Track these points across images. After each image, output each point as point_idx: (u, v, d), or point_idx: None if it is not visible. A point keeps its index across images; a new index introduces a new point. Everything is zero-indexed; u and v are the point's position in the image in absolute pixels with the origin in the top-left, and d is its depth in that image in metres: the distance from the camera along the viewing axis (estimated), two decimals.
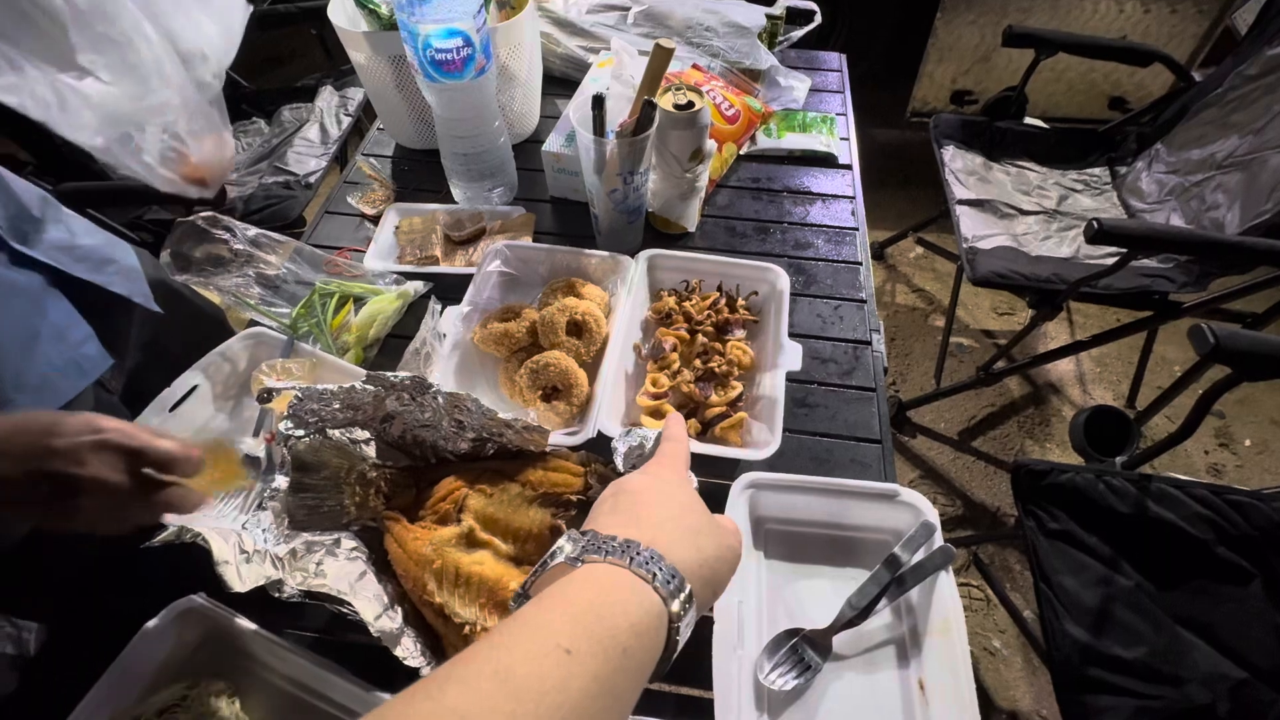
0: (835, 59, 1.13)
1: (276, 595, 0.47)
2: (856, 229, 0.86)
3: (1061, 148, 1.48)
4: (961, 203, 1.35)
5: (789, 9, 1.07)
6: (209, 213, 0.66)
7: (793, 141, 0.95)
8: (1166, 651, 0.81)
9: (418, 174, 0.93)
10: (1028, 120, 1.56)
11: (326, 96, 1.39)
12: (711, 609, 0.48)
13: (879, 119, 2.08)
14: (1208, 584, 0.86)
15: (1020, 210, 1.37)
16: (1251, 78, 1.25)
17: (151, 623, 0.51)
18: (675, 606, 0.30)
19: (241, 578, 0.47)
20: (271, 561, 0.50)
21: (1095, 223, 0.98)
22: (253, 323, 0.71)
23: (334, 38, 0.83)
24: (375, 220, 0.86)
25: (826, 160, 0.95)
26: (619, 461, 0.55)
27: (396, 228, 0.84)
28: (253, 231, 0.68)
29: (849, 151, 0.96)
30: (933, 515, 0.57)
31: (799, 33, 1.06)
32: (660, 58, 0.64)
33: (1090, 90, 2.00)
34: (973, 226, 1.31)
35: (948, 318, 1.57)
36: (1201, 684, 0.78)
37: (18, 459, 0.40)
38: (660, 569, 0.31)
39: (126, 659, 0.50)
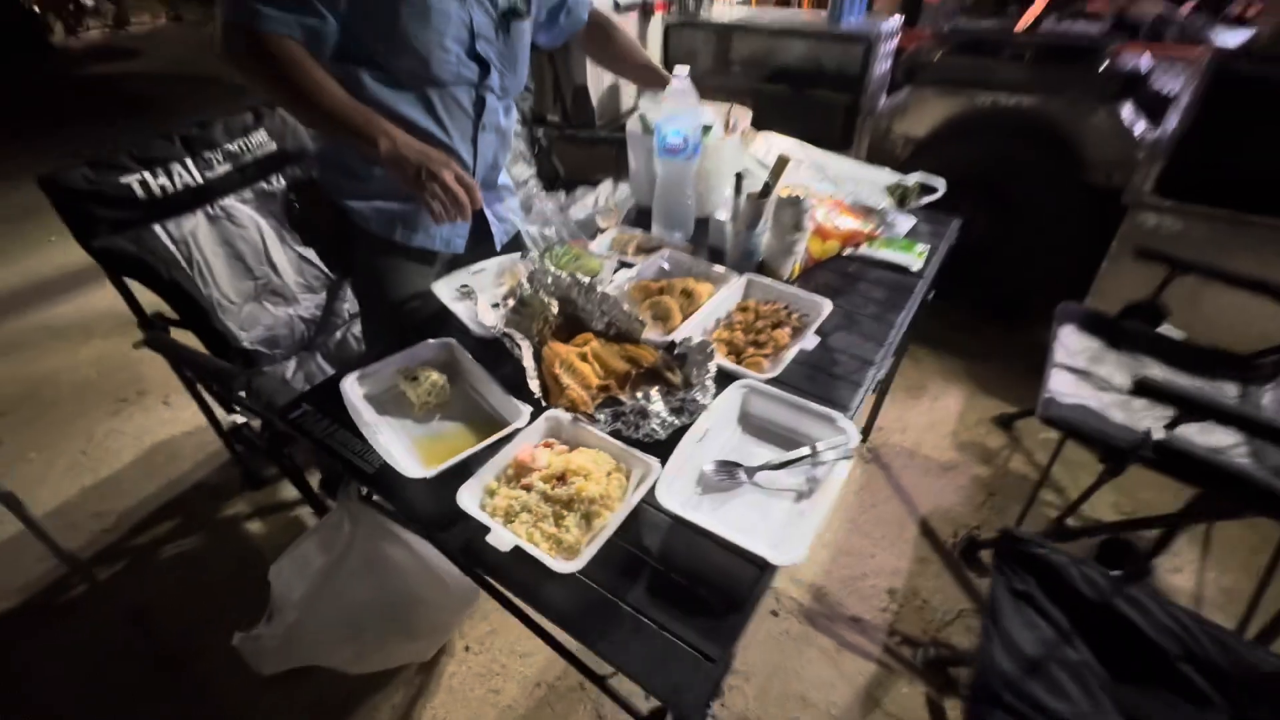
0: (954, 226, 1.49)
1: (496, 336, 0.97)
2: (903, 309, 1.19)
3: (1191, 357, 1.57)
4: (1059, 365, 1.53)
5: (920, 184, 1.49)
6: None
7: (884, 254, 1.33)
8: (1093, 718, 0.88)
9: (634, 217, 1.51)
10: (1164, 329, 1.68)
11: (607, 186, 2.14)
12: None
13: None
14: (1162, 692, 0.91)
15: (1119, 390, 1.49)
16: None
17: (430, 340, 1.03)
18: None
19: (488, 321, 0.98)
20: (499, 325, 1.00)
21: (1145, 379, 1.16)
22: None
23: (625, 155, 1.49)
24: (603, 231, 1.43)
25: (903, 269, 1.30)
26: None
27: (613, 238, 1.40)
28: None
29: (924, 263, 1.30)
30: (855, 436, 0.87)
31: (926, 200, 1.47)
32: (782, 162, 1.12)
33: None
34: (1060, 385, 1.48)
35: (1043, 472, 1.65)
36: None
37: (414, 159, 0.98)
38: None
39: (415, 349, 1.02)
